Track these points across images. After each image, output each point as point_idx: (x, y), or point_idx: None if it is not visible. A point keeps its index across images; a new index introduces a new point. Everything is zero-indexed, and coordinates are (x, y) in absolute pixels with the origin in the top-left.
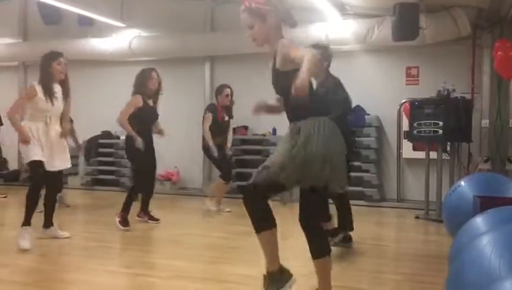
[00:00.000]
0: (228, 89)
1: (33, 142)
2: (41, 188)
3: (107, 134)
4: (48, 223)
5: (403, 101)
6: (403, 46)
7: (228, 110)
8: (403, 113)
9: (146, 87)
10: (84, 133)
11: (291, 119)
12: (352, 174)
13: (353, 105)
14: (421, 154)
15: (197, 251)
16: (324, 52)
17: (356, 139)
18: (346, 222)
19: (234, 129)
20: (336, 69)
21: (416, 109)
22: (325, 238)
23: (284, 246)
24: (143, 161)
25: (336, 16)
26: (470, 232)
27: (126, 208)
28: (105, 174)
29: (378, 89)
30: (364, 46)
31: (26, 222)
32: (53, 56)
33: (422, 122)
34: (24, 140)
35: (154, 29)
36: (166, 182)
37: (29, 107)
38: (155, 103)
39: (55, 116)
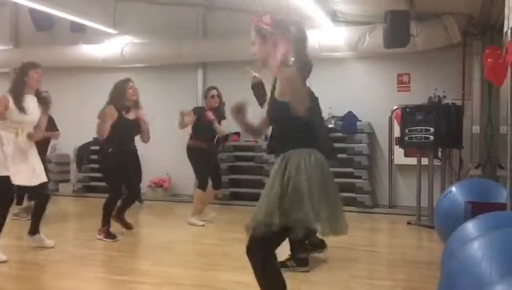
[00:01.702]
0: (214, 90)
1: (2, 155)
2: (10, 205)
3: (99, 141)
4: (34, 230)
5: (395, 107)
6: (394, 53)
7: (218, 111)
8: (395, 119)
9: (124, 98)
10: (76, 140)
11: (280, 150)
12: (344, 180)
13: (345, 111)
14: (412, 161)
15: (189, 257)
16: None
17: (347, 145)
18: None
19: (227, 136)
20: (327, 76)
21: (407, 115)
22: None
23: None
24: (118, 176)
25: (328, 23)
26: (461, 237)
27: (106, 223)
28: (97, 181)
29: (370, 96)
30: (356, 54)
31: None
32: (32, 65)
33: (414, 128)
34: None
35: (147, 36)
36: (158, 189)
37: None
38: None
39: (28, 127)
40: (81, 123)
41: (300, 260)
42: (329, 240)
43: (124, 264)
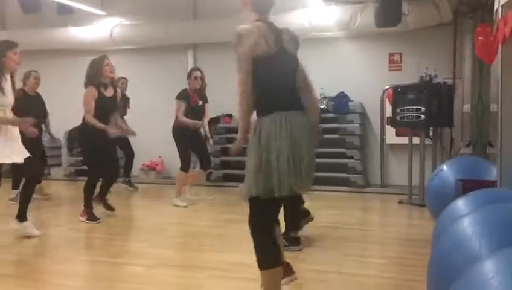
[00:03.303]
0: (198, 72)
1: None
2: None
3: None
4: (22, 215)
5: (386, 87)
6: (386, 33)
7: (200, 94)
8: (386, 99)
9: (101, 76)
10: (66, 124)
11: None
12: (336, 160)
13: (337, 92)
14: (404, 140)
15: (182, 239)
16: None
17: (338, 126)
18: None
19: (219, 118)
20: (318, 56)
21: (399, 94)
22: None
23: None
24: (99, 155)
25: (319, 2)
26: (451, 214)
27: (88, 204)
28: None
29: (362, 76)
30: (347, 33)
31: None
32: (9, 45)
33: (405, 108)
34: None
35: (136, 17)
36: (151, 172)
37: None
38: (115, 92)
39: (8, 108)
40: (71, 107)
41: (293, 239)
42: (322, 220)
43: (117, 246)
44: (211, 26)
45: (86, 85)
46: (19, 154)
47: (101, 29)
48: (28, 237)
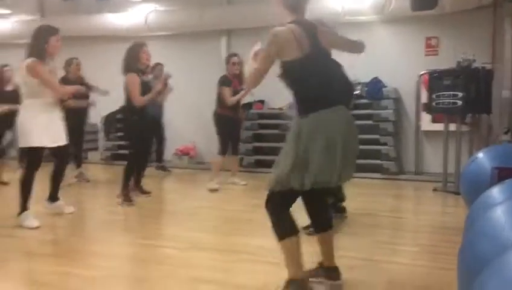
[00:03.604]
0: (235, 58)
1: (34, 124)
2: (35, 174)
3: (124, 109)
4: (54, 196)
5: (422, 72)
6: (422, 16)
7: (240, 79)
8: (422, 84)
9: (138, 62)
10: (103, 109)
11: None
12: (370, 147)
13: (370, 77)
14: (440, 127)
15: (214, 223)
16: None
17: (372, 111)
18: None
19: (251, 104)
20: None
21: (435, 80)
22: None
23: None
24: (143, 140)
25: None
26: (485, 202)
27: (126, 186)
28: (124, 149)
29: (397, 61)
30: (382, 17)
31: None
32: (52, 31)
33: (442, 93)
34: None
35: (171, 3)
36: (184, 157)
37: (29, 84)
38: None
39: (50, 93)
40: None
41: (339, 208)
42: (353, 207)
43: (151, 229)
44: (245, 11)
45: (125, 71)
46: (61, 137)
47: (136, 15)
48: (61, 214)
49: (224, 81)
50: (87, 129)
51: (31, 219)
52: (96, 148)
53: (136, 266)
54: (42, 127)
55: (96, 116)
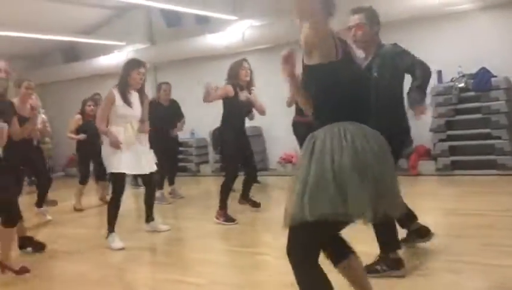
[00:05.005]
0: None
1: (118, 151)
2: (121, 199)
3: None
4: (148, 218)
5: None
6: None
7: None
8: None
9: (238, 78)
10: (211, 124)
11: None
12: (481, 142)
13: (477, 68)
14: None
15: None
16: (370, 15)
17: (481, 104)
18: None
19: None
20: (453, 33)
21: None
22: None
23: None
24: (235, 158)
25: None
26: None
27: (224, 205)
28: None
29: (505, 48)
30: (482, 4)
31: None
32: (133, 65)
33: None
34: (114, 143)
35: (266, 18)
36: (287, 165)
37: (111, 113)
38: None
39: (135, 121)
40: (212, 108)
41: (394, 261)
42: (462, 207)
43: (250, 237)
44: (340, 21)
45: (226, 84)
46: (142, 167)
47: (234, 33)
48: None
49: None
50: (197, 144)
51: (116, 241)
52: (207, 162)
53: (236, 272)
54: (124, 153)
55: (205, 131)
